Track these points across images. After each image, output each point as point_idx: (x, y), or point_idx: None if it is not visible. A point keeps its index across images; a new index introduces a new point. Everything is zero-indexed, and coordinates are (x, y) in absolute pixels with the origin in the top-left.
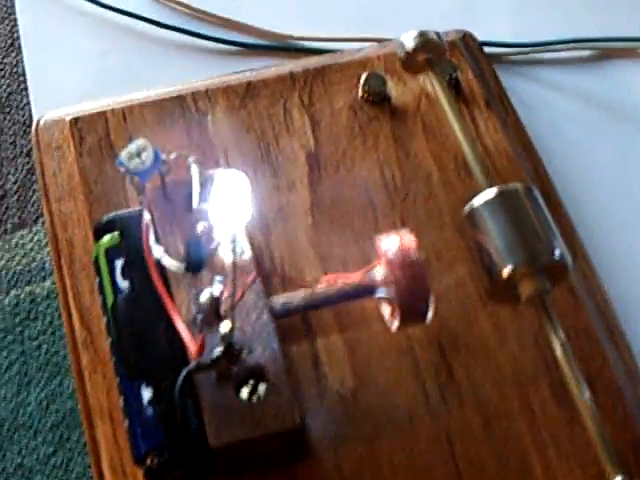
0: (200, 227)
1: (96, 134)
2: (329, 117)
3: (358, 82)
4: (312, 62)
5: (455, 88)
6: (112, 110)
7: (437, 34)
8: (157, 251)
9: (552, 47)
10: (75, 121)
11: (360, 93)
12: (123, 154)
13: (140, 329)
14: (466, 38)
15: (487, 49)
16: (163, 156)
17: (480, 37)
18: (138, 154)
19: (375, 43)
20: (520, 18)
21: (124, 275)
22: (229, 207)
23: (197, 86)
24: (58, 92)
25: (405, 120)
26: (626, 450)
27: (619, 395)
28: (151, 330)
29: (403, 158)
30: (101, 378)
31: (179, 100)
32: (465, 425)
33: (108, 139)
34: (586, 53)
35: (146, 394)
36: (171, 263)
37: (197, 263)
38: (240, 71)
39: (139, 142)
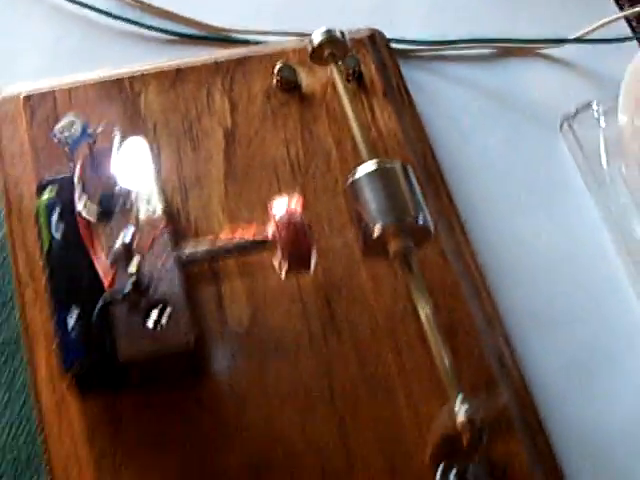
0: (116, 186)
1: (45, 109)
2: (246, 101)
3: (273, 71)
4: (235, 52)
5: (359, 79)
6: (59, 89)
7: (342, 33)
8: (79, 205)
9: (457, 45)
10: (28, 98)
11: (274, 81)
12: (56, 128)
13: (69, 268)
14: (374, 36)
15: (397, 45)
16: (90, 129)
17: (393, 34)
18: (68, 128)
19: (294, 37)
20: (431, 18)
21: (58, 226)
22: (139, 173)
23: (133, 70)
24: (16, 71)
25: (312, 106)
26: (479, 384)
27: (477, 342)
28: (78, 268)
29: (307, 138)
30: (40, 309)
31: (118, 82)
32: (342, 358)
33: (55, 114)
34: (487, 51)
35: (72, 319)
36: (88, 213)
37: (107, 214)
38: (172, 58)
39: (69, 118)
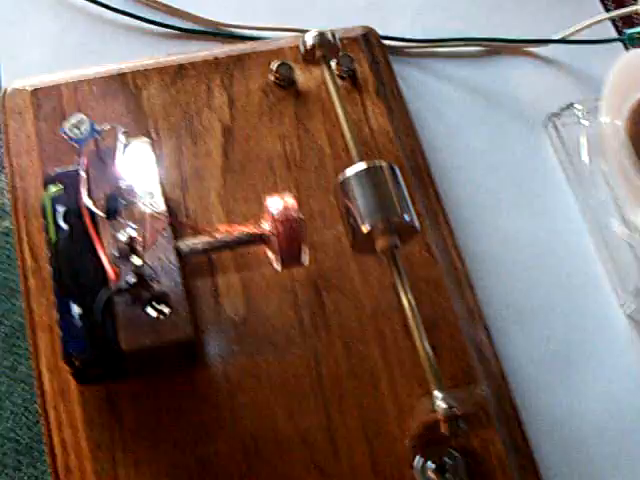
0: (120, 184)
1: (51, 103)
2: (244, 97)
3: (271, 68)
4: (234, 49)
5: (352, 78)
6: (65, 84)
7: (333, 34)
8: (87, 201)
9: (447, 43)
10: (35, 91)
11: (272, 78)
12: (66, 125)
13: (74, 260)
14: (367, 34)
15: (390, 43)
16: (98, 127)
17: (385, 32)
18: (77, 126)
19: (290, 34)
20: (423, 16)
21: (64, 219)
22: (143, 171)
23: (136, 66)
24: (24, 65)
25: (307, 103)
26: (459, 376)
27: (458, 332)
28: (83, 262)
29: (302, 134)
30: (44, 299)
31: (121, 77)
32: (330, 347)
33: (61, 108)
34: (476, 49)
35: (76, 310)
36: (95, 209)
37: (113, 211)
38: (174, 54)
39: (79, 116)
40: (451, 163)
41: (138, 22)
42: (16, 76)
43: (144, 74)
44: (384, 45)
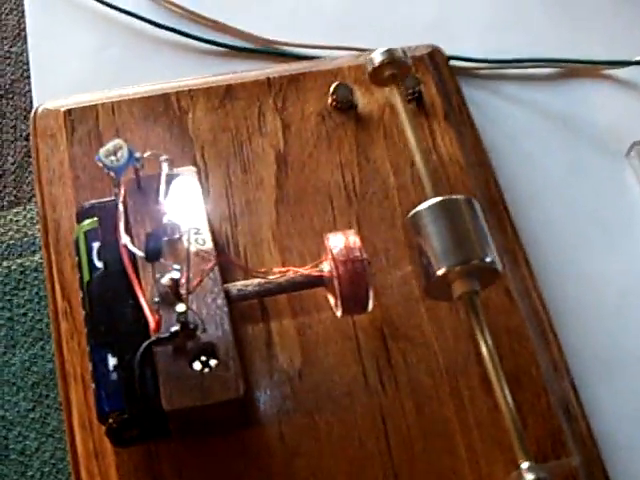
0: (163, 220)
1: (87, 125)
2: (299, 121)
3: (328, 90)
4: (288, 68)
5: (418, 101)
6: (102, 104)
7: (403, 52)
8: (125, 239)
9: (518, 64)
10: (69, 112)
11: (329, 100)
12: (101, 151)
13: (110, 304)
14: (434, 53)
15: (456, 63)
16: (137, 154)
17: (451, 51)
18: (114, 152)
19: (349, 54)
20: (491, 35)
21: (100, 256)
22: (188, 204)
23: (181, 86)
24: (58, 82)
25: (369, 128)
26: (545, 438)
27: (543, 390)
28: (120, 306)
29: (363, 163)
30: (77, 345)
31: (164, 98)
32: (398, 406)
33: (97, 131)
34: (550, 71)
35: (112, 361)
36: (134, 249)
37: (154, 253)
38: (221, 73)
39: (116, 142)
40: (527, 195)
41: (184, 39)
42: (49, 96)
43: (189, 95)
44: (451, 66)
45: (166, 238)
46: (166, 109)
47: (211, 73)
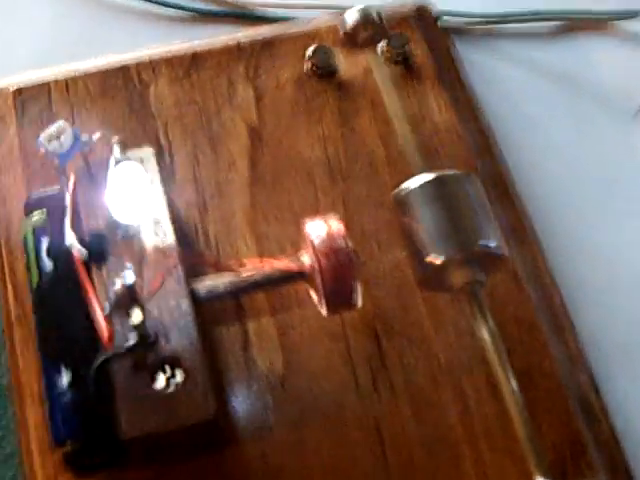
0: (112, 213)
1: (38, 105)
2: (274, 90)
3: (305, 54)
4: (260, 32)
5: (405, 63)
6: (56, 81)
7: (378, 13)
8: (70, 237)
9: (515, 18)
10: (18, 92)
11: (307, 66)
12: (42, 135)
13: (62, 311)
14: (422, 10)
15: (447, 19)
16: (85, 137)
17: (442, 6)
18: (58, 136)
19: (327, 12)
20: None
21: (49, 255)
22: (144, 192)
23: (141, 56)
24: (7, 58)
25: (352, 95)
26: (563, 444)
27: (560, 388)
28: (72, 313)
29: (348, 135)
30: (33, 355)
31: (123, 71)
32: (395, 414)
33: (50, 111)
34: (551, 25)
35: (66, 378)
36: (79, 250)
37: (98, 253)
38: (186, 40)
39: (59, 124)
40: (527, 164)
41: (145, 4)
42: (2, 71)
43: (151, 66)
44: (442, 23)
45: (120, 234)
46: (125, 83)
47: (175, 42)
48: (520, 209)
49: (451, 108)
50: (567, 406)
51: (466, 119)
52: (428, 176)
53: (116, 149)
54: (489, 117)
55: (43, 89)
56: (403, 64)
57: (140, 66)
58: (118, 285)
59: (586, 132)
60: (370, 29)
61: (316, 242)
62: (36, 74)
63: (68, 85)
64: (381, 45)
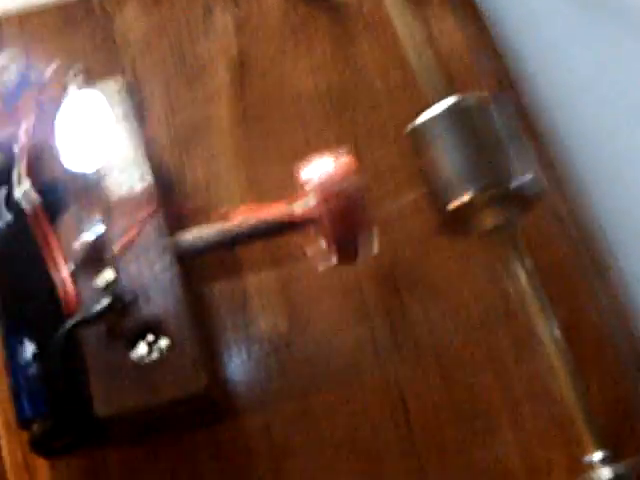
0: (70, 155)
1: None
2: (257, 17)
3: None
4: None
5: None
6: (7, 18)
7: None
8: (25, 184)
9: None
10: None
11: None
12: None
13: (22, 272)
14: None
15: None
16: (35, 72)
17: None
18: (6, 68)
19: None
20: None
21: (8, 205)
22: (112, 130)
23: None
24: None
25: (346, 20)
26: (613, 403)
27: (607, 338)
28: (35, 275)
29: (342, 65)
30: None
31: (84, 3)
32: (420, 377)
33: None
34: None
35: (30, 349)
36: (32, 201)
37: (57, 203)
38: None
39: (7, 54)
40: (550, 94)
41: None
42: None
43: None
44: None
45: (82, 180)
46: (87, 15)
47: None
48: (546, 143)
49: (460, 32)
50: (616, 361)
51: (476, 44)
52: (450, 101)
53: (75, 79)
54: (503, 42)
55: None
56: None
57: None
58: (83, 239)
59: (614, 57)
60: None
61: (323, 181)
62: None
63: (21, 20)
64: None
